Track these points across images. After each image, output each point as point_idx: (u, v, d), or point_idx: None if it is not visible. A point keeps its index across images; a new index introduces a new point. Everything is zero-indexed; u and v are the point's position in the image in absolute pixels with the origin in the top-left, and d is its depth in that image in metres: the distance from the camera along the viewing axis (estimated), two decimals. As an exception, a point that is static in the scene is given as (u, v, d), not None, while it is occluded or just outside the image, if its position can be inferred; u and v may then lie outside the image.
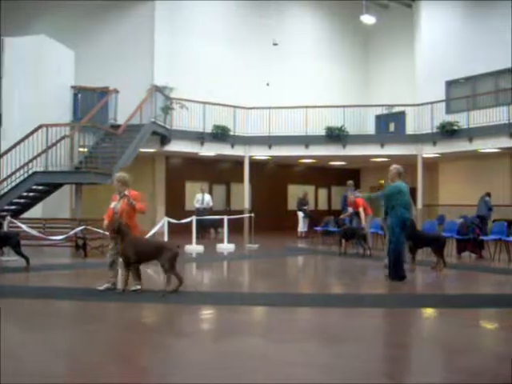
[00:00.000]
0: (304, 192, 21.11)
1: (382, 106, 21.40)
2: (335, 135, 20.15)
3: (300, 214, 20.15)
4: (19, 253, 10.36)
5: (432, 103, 19.61)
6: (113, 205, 8.11)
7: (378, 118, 22.29)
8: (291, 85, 22.79)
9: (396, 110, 21.58)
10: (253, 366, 4.65)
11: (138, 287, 7.95)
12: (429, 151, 19.78)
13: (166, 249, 7.63)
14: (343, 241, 13.78)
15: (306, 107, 20.28)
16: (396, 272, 9.09)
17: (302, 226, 20.10)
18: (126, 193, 8.06)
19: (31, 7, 20.51)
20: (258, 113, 20.49)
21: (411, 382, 4.49)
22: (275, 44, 22.86)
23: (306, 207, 20.26)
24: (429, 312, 7.27)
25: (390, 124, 22.29)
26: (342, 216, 15.63)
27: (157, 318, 6.87)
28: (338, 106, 20.52)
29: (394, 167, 9.38)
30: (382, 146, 20.23)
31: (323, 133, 20.24)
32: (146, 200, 8.28)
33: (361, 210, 14.26)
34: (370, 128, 22.27)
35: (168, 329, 6.11)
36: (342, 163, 24.14)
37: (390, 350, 5.38)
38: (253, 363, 4.72)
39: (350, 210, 14.86)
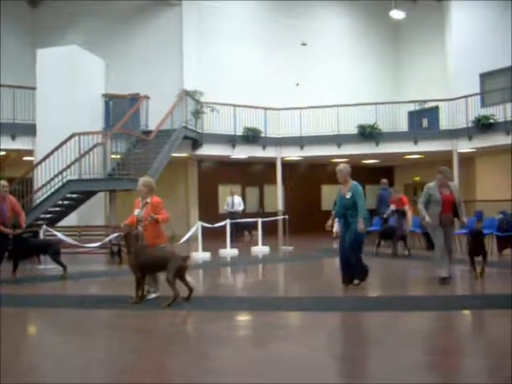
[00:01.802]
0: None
1: (415, 102, 21.03)
2: (367, 133, 19.90)
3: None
4: (58, 261, 10.38)
5: (466, 97, 19.17)
6: (136, 212, 7.92)
7: (411, 114, 21.92)
8: (321, 84, 22.59)
9: (429, 105, 21.19)
10: (291, 372, 4.55)
11: (154, 295, 7.82)
12: (464, 146, 19.36)
13: (170, 261, 7.33)
14: (381, 241, 13.46)
15: (337, 106, 20.08)
16: (363, 272, 8.57)
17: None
18: (149, 200, 7.88)
19: (63, 19, 20.83)
20: (289, 114, 20.38)
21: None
22: (304, 44, 22.71)
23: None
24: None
25: (423, 120, 21.90)
26: (385, 215, 14.97)
27: (192, 324, 6.81)
28: (369, 104, 20.28)
29: (345, 166, 8.62)
30: (416, 142, 19.91)
31: (355, 131, 20.02)
32: (165, 207, 8.00)
33: (407, 207, 13.88)
34: (403, 125, 21.92)
35: (204, 336, 6.04)
36: (375, 161, 23.82)
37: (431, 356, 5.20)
38: (290, 370, 4.61)
39: (393, 207, 14.29)
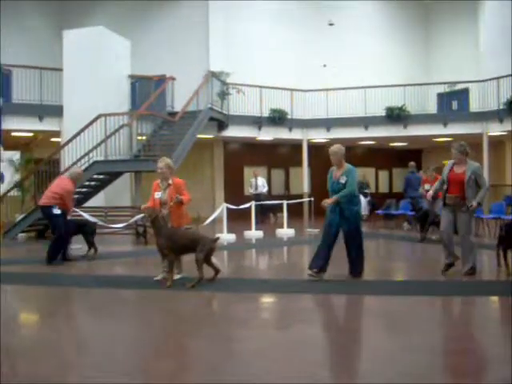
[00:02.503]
0: (363, 175, 20.77)
1: (444, 83, 20.60)
2: (395, 115, 19.63)
3: (361, 198, 19.79)
4: (91, 242, 10.44)
5: (498, 78, 18.72)
6: (158, 195, 7.84)
7: (440, 96, 21.48)
8: (349, 65, 22.26)
9: (459, 87, 20.75)
10: (314, 355, 4.49)
11: (179, 276, 7.78)
12: (495, 129, 18.96)
13: (201, 242, 7.31)
14: (424, 225, 12.67)
15: (365, 87, 19.81)
16: (361, 266, 7.92)
17: (363, 209, 19.74)
18: (170, 182, 7.82)
19: (88, 1, 20.84)
20: (316, 95, 20.18)
21: None
22: (331, 24, 22.36)
23: (366, 190, 19.88)
24: None
25: (453, 102, 21.46)
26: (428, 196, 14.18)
27: (216, 306, 6.80)
28: (397, 85, 19.99)
29: (339, 148, 7.92)
30: (445, 125, 19.58)
31: (383, 113, 19.75)
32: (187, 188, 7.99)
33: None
34: (432, 107, 21.54)
35: (229, 318, 6.02)
36: (403, 144, 23.51)
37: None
38: (314, 352, 4.56)
39: (428, 187, 13.41)
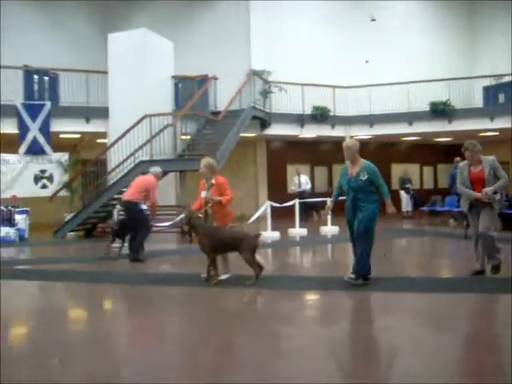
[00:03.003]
0: (405, 170, 20.59)
1: (490, 76, 20.19)
2: (440, 110, 19.33)
3: (403, 194, 19.64)
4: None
5: (546, 70, 18.26)
6: (203, 194, 7.93)
7: (486, 89, 21.03)
8: (391, 60, 21.98)
9: (506, 79, 20.28)
10: (358, 353, 4.52)
11: (226, 276, 7.84)
12: (544, 122, 18.49)
13: (244, 240, 7.35)
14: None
15: (408, 83, 19.56)
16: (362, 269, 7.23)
17: (405, 205, 19.57)
18: (213, 181, 7.87)
19: (132, 3, 21.21)
20: (358, 91, 20.03)
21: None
22: (373, 20, 22.17)
23: (408, 185, 19.70)
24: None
25: (500, 95, 20.98)
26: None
27: (261, 303, 6.87)
28: (442, 80, 19.66)
29: (354, 143, 7.57)
30: (492, 119, 19.17)
31: (427, 108, 19.48)
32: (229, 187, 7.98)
33: None
34: (478, 101, 21.12)
35: (273, 315, 6.08)
36: (448, 139, 23.12)
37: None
38: (357, 350, 4.58)
39: None
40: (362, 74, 21.02)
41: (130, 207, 10.23)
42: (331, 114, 20.12)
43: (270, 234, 13.84)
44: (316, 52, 21.19)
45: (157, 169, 10.72)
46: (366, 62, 21.86)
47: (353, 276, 7.19)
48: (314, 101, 19.82)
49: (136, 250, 10.06)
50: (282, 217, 15.55)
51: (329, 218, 14.67)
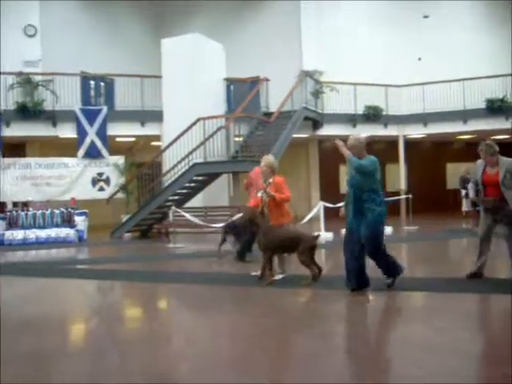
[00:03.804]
0: (466, 169, 20.12)
1: (549, 71, 19.60)
2: (496, 107, 18.87)
3: (464, 193, 19.23)
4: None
5: None
6: (260, 193, 7.91)
7: (545, 85, 20.42)
8: (445, 58, 21.58)
9: None
10: (417, 355, 4.49)
11: (281, 276, 7.82)
12: None
13: (302, 240, 7.25)
14: None
15: (463, 80, 19.17)
16: (394, 268, 6.80)
17: (465, 205, 19.15)
18: (271, 180, 7.83)
19: (182, 9, 21.57)
20: (411, 90, 19.77)
21: None
22: (426, 17, 21.83)
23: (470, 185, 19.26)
24: None
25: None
26: None
27: (318, 303, 6.88)
28: (498, 76, 19.16)
29: (358, 139, 6.75)
30: (551, 115, 18.61)
31: (483, 106, 19.04)
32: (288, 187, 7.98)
33: None
34: (537, 96, 20.50)
35: (331, 315, 6.09)
36: (506, 137, 22.51)
37: None
38: (416, 352, 4.55)
39: None
40: (415, 72, 20.71)
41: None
42: (384, 113, 19.93)
43: (323, 235, 13.83)
44: (368, 51, 21.02)
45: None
46: (419, 59, 21.54)
47: (388, 281, 6.79)
48: (366, 100, 19.68)
49: (243, 251, 9.81)
50: (335, 217, 15.48)
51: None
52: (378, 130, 20.06)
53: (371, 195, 6.49)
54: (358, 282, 6.65)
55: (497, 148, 7.17)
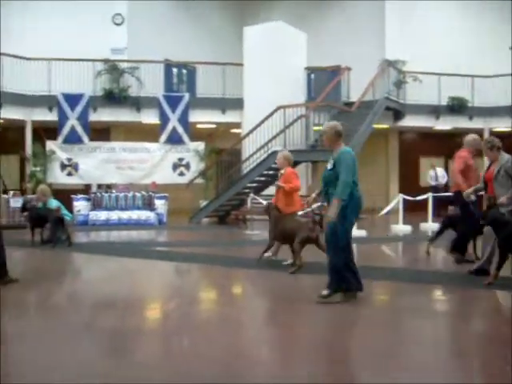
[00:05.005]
0: None
1: None
2: None
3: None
4: None
5: None
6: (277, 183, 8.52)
7: None
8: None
9: None
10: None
11: (288, 262, 8.13)
12: None
13: (299, 232, 7.53)
14: None
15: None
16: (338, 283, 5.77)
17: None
18: (282, 171, 8.41)
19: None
20: (500, 80, 18.96)
21: None
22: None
23: None
24: None
25: None
26: None
27: (391, 296, 6.78)
28: None
29: (331, 126, 5.97)
30: None
31: None
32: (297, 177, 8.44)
33: None
34: None
35: (404, 308, 5.99)
36: None
37: None
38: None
39: None
40: (505, 61, 19.83)
41: (457, 197, 8.25)
42: (469, 104, 19.25)
43: (401, 228, 13.63)
44: (453, 40, 20.26)
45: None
46: (510, 48, 20.59)
47: (324, 292, 5.76)
48: (451, 91, 19.05)
49: (458, 248, 8.47)
50: (414, 211, 15.20)
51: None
52: (462, 123, 19.40)
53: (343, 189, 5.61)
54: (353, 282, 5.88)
55: (496, 143, 7.14)
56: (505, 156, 7.11)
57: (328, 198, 5.82)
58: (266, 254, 8.38)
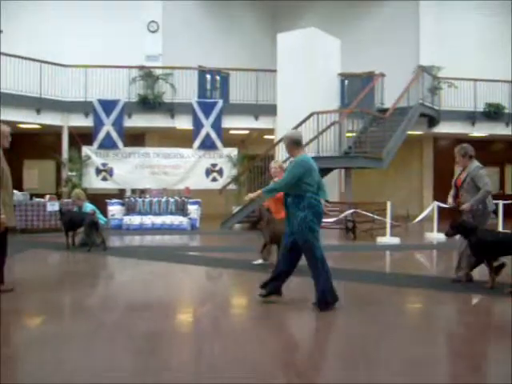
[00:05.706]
0: None
1: None
2: None
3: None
4: None
5: None
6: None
7: None
8: None
9: None
10: None
11: (260, 261, 8.81)
12: None
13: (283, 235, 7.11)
14: None
15: None
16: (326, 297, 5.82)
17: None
18: (276, 179, 8.44)
19: (298, 3, 21.65)
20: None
21: None
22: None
23: None
24: None
25: None
26: None
27: (427, 304, 6.72)
28: None
29: (291, 133, 6.25)
30: None
31: None
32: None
33: None
34: None
35: (439, 316, 5.92)
36: None
37: None
38: None
39: None
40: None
41: None
42: (506, 111, 18.93)
43: (435, 236, 13.46)
44: (489, 44, 19.98)
45: None
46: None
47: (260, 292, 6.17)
48: (487, 97, 18.78)
49: None
50: (450, 219, 14.96)
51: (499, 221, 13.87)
52: (499, 129, 19.12)
53: (294, 199, 5.80)
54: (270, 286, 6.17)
55: (469, 151, 7.47)
56: (473, 164, 7.40)
57: (287, 208, 5.97)
58: (256, 262, 8.83)
